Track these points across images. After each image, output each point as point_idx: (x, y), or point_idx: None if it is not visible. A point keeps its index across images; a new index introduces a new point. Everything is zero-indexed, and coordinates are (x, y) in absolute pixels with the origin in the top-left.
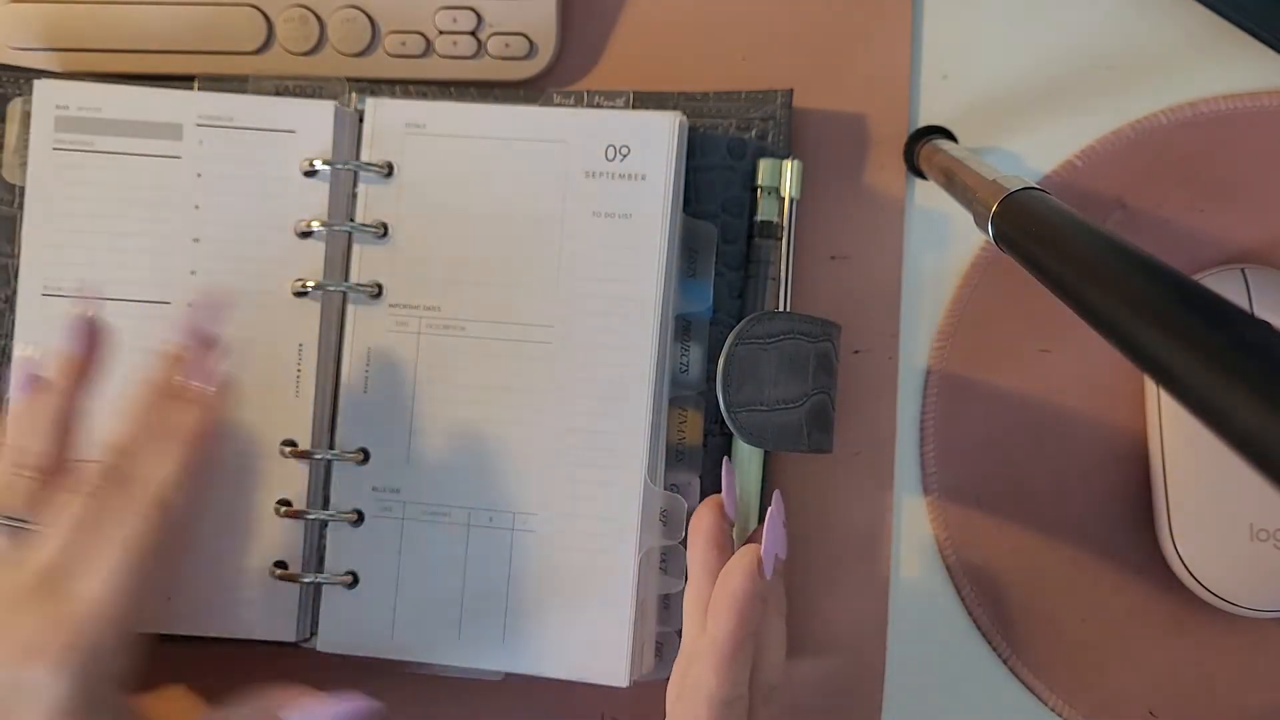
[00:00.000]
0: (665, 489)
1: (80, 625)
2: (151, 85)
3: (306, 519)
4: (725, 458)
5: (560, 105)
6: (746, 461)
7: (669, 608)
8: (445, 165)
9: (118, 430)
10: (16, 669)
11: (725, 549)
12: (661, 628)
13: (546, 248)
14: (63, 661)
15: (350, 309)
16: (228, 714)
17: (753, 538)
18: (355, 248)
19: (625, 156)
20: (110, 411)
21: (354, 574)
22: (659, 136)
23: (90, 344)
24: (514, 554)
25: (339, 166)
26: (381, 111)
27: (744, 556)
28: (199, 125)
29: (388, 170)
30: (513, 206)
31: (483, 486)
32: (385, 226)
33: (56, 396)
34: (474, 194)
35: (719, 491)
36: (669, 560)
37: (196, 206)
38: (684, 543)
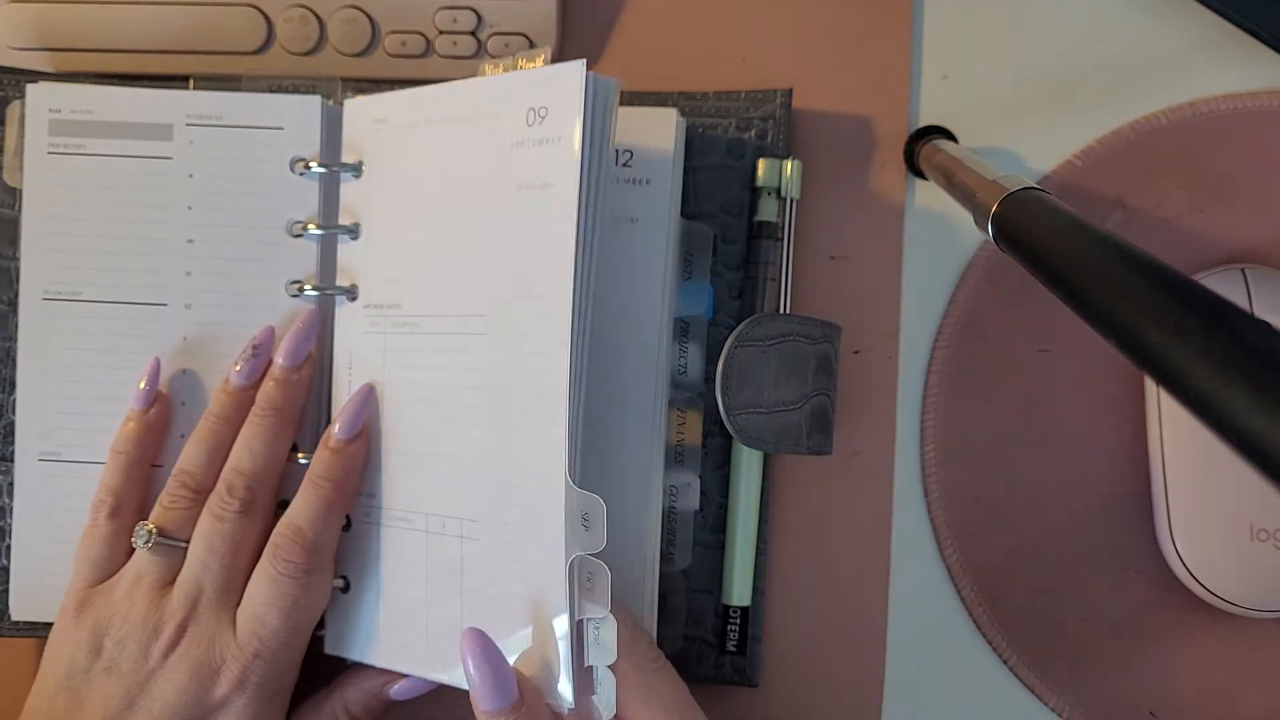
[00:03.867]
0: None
1: (256, 656)
2: (152, 86)
3: None
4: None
5: (491, 75)
6: (746, 462)
7: (599, 639)
8: (405, 156)
9: (247, 456)
10: (208, 688)
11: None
12: (591, 659)
13: (480, 231)
14: (244, 683)
15: (336, 310)
16: (343, 695)
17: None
18: (338, 248)
19: (544, 119)
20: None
21: (345, 579)
22: (571, 89)
23: (258, 380)
24: (464, 564)
25: (335, 169)
26: (352, 110)
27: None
28: (188, 125)
29: (359, 168)
30: (458, 192)
31: (436, 491)
32: (359, 226)
33: (227, 425)
34: (428, 183)
35: (719, 496)
36: (593, 581)
37: (189, 207)
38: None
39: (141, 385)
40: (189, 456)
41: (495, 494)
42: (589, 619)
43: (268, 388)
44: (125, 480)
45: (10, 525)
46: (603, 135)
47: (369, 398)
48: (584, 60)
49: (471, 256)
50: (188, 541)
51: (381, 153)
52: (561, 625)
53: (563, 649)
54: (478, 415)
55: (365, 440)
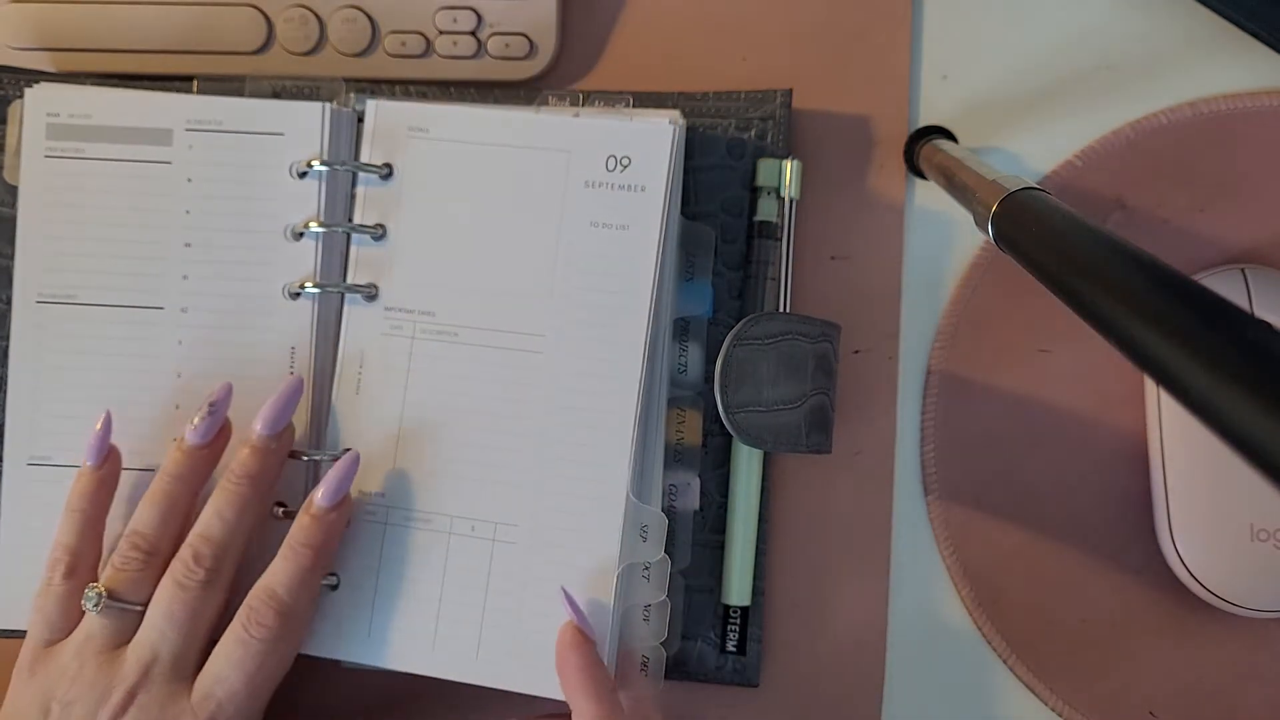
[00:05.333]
0: (664, 489)
1: (216, 714)
2: (152, 86)
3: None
4: (562, 589)
5: (556, 107)
6: (745, 462)
7: (648, 620)
8: (447, 170)
9: (217, 524)
10: None
11: (603, 675)
12: (646, 641)
13: (542, 257)
14: None
15: (346, 309)
16: None
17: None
18: (353, 248)
19: (626, 167)
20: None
21: (336, 576)
22: (660, 147)
23: (218, 438)
24: (493, 565)
25: (337, 167)
26: (382, 113)
27: (566, 633)
28: (188, 130)
29: (387, 172)
30: (512, 214)
31: (467, 495)
32: (383, 228)
33: (182, 485)
34: (474, 199)
35: (719, 495)
36: (652, 570)
37: (187, 211)
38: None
39: (92, 443)
40: (142, 517)
41: (539, 499)
42: (644, 604)
43: (243, 455)
44: (81, 539)
45: None
46: (677, 181)
47: (354, 466)
48: (677, 113)
49: (529, 279)
50: (139, 604)
51: (418, 161)
52: (604, 619)
53: (601, 642)
54: (526, 426)
55: (348, 508)
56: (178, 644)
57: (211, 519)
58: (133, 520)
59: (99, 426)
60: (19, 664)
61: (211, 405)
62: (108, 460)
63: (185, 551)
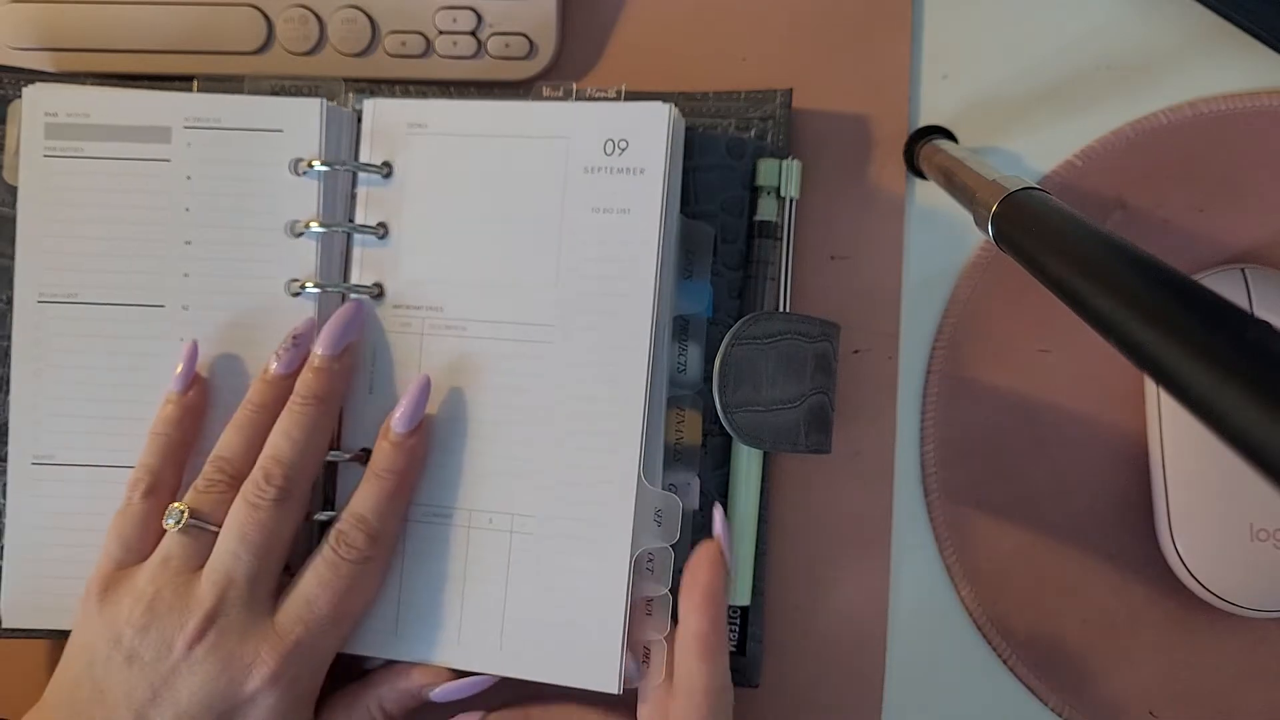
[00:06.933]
0: (664, 489)
1: (297, 645)
2: (152, 86)
3: (313, 520)
4: (717, 504)
5: (550, 99)
6: (745, 462)
7: (651, 614)
8: (447, 164)
9: (285, 444)
10: (239, 683)
11: (723, 601)
12: (648, 634)
13: (546, 246)
14: (278, 677)
15: None
16: (378, 692)
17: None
18: (356, 249)
19: (624, 151)
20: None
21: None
22: (656, 129)
23: (298, 369)
24: (512, 556)
25: (337, 167)
26: (381, 111)
27: (709, 550)
28: (187, 128)
29: (387, 171)
30: (514, 205)
31: (484, 488)
32: (385, 227)
33: (265, 413)
34: (476, 193)
35: (719, 496)
36: (655, 562)
37: (187, 209)
38: (677, 581)
39: (179, 369)
40: (227, 443)
41: (554, 490)
42: (649, 597)
43: (306, 376)
44: (163, 461)
45: (4, 526)
46: (676, 166)
47: (426, 389)
48: (669, 104)
49: (534, 269)
50: (220, 526)
51: (418, 157)
52: (619, 605)
53: (617, 628)
54: (538, 416)
55: (425, 432)
56: (252, 566)
57: (279, 440)
58: (218, 446)
59: (185, 352)
60: (88, 589)
61: (296, 338)
62: (192, 388)
63: (256, 473)
